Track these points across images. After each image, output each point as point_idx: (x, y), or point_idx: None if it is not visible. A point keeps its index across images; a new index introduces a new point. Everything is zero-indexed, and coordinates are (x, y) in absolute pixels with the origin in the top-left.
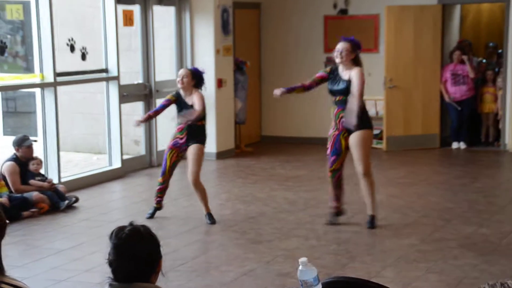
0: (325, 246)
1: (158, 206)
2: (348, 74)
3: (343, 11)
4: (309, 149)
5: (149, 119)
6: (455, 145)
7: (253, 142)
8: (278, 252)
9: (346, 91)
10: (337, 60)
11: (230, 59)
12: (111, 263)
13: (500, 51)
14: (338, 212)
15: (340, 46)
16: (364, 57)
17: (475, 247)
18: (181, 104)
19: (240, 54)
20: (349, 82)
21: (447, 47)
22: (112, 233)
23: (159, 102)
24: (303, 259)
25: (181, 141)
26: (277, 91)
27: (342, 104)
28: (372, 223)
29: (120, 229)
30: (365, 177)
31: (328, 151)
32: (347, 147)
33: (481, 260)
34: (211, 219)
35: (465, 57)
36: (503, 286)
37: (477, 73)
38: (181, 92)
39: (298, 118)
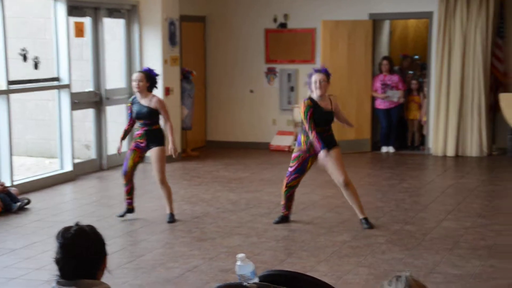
0: (265, 243)
1: (130, 208)
2: (329, 104)
3: (283, 25)
4: (250, 153)
5: (127, 134)
6: (384, 149)
7: (199, 146)
8: (221, 249)
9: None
10: (318, 91)
11: (177, 69)
12: (58, 261)
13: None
14: (286, 217)
15: (317, 77)
16: (301, 67)
17: (401, 242)
18: (136, 107)
19: (187, 64)
20: (332, 112)
21: (377, 59)
22: (58, 233)
23: (109, 109)
24: (240, 255)
25: (142, 144)
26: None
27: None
28: (368, 224)
29: (66, 229)
30: (348, 186)
31: (292, 169)
32: (309, 168)
33: (406, 254)
34: (171, 218)
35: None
36: (397, 280)
37: (405, 84)
38: (137, 95)
39: (240, 125)
